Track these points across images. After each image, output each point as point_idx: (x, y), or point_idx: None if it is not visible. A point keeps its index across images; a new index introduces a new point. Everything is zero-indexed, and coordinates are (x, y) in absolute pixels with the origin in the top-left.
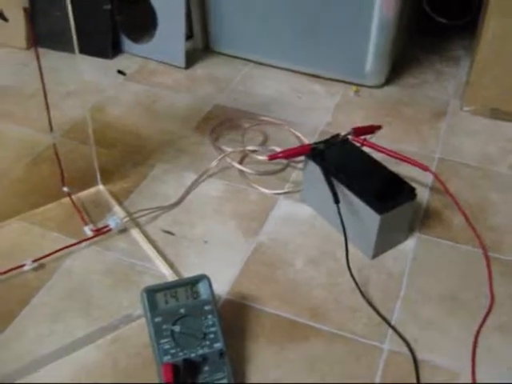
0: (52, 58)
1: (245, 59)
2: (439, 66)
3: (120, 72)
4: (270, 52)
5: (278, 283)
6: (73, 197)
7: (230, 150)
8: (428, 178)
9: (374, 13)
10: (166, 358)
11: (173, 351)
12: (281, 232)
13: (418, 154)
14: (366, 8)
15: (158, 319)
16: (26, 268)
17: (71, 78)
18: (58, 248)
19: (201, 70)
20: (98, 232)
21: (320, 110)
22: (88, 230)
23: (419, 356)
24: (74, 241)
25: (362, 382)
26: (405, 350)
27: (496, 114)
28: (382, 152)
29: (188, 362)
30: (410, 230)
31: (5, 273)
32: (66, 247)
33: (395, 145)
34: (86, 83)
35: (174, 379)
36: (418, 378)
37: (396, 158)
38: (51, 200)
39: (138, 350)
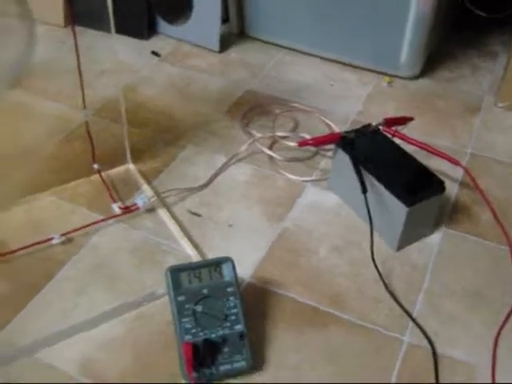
0: (88, 37)
1: (279, 45)
2: (476, 61)
3: (154, 53)
4: (304, 39)
5: (300, 270)
6: (103, 174)
7: (259, 135)
8: (458, 173)
9: (410, 5)
10: (187, 337)
11: (194, 331)
12: (306, 219)
13: (449, 148)
14: (403, 0)
15: (181, 298)
16: (53, 241)
17: (106, 56)
18: (86, 224)
19: (234, 54)
20: (126, 210)
21: (352, 98)
22: (116, 208)
23: (439, 350)
24: (101, 217)
25: (377, 383)
26: (425, 343)
27: None
28: (413, 144)
29: (208, 342)
30: (437, 224)
31: (33, 245)
32: (94, 223)
33: (427, 138)
34: (120, 63)
35: (193, 358)
36: (436, 372)
37: (427, 150)
38: (82, 176)
39: (160, 327)
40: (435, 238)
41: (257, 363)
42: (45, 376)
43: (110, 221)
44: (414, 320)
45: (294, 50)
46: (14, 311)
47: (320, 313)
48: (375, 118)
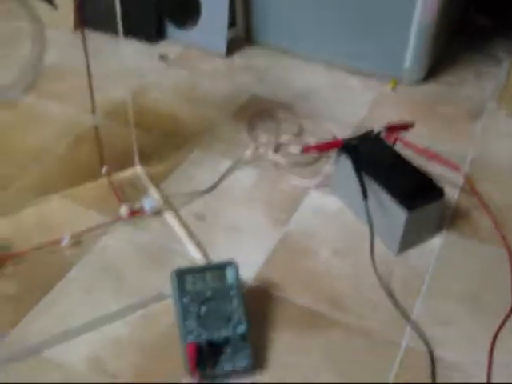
0: (98, 40)
1: (284, 50)
2: (479, 67)
3: (162, 57)
4: (310, 44)
5: (302, 273)
6: (111, 177)
7: (264, 139)
8: (459, 178)
9: (414, 12)
10: (191, 338)
11: (197, 331)
12: (309, 223)
13: (451, 154)
14: (407, 8)
15: (185, 300)
16: (63, 243)
17: (115, 60)
18: (94, 226)
19: (241, 59)
20: (134, 213)
21: (356, 104)
22: (124, 210)
23: (436, 353)
24: (109, 219)
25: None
26: (422, 346)
27: None
28: (414, 149)
29: (211, 342)
30: (437, 229)
31: (42, 247)
32: (102, 225)
33: (429, 143)
34: (128, 66)
35: (197, 358)
36: (433, 374)
37: (428, 156)
38: (91, 179)
39: (164, 328)
40: (435, 242)
41: (258, 363)
42: (53, 373)
43: (118, 223)
44: (412, 323)
45: (299, 55)
46: (24, 311)
47: (319, 315)
48: (379, 123)
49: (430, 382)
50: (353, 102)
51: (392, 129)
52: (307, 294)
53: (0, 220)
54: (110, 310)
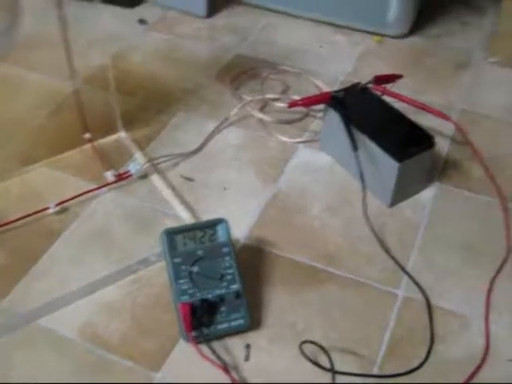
0: (75, 7)
1: (267, 8)
2: (464, 17)
3: (141, 21)
4: (292, 1)
5: (295, 229)
6: (94, 143)
7: (249, 98)
8: (449, 129)
9: None
10: (184, 298)
11: (191, 291)
12: (299, 180)
13: (439, 105)
14: None
15: (176, 260)
16: (49, 211)
17: (93, 26)
18: (80, 192)
19: (222, 19)
20: (119, 177)
21: (341, 59)
22: (109, 176)
23: (433, 302)
24: (95, 186)
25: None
26: (419, 296)
27: None
28: (403, 101)
29: (205, 301)
30: (429, 180)
31: (29, 216)
32: (88, 191)
33: (417, 95)
34: (107, 31)
35: (191, 318)
36: (431, 321)
37: (417, 107)
38: (73, 147)
39: (157, 290)
40: (427, 193)
41: (254, 321)
42: (45, 342)
43: (104, 189)
44: (407, 273)
45: (282, 12)
46: (14, 280)
47: (315, 271)
48: (365, 78)
49: (427, 331)
50: (338, 58)
51: (379, 80)
52: (301, 250)
53: None
54: (100, 275)
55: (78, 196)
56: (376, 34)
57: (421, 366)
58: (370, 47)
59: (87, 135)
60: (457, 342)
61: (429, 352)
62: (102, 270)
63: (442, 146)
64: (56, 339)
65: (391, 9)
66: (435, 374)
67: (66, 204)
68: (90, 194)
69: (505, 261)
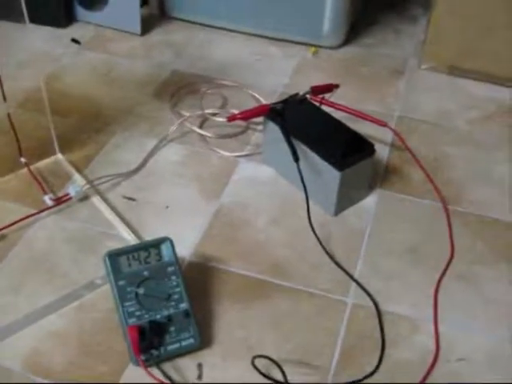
0: (3, 28)
1: (201, 24)
2: (397, 25)
3: (74, 41)
4: (227, 16)
5: (240, 244)
6: (31, 167)
7: (188, 114)
8: (387, 136)
9: None
10: (132, 321)
11: (138, 313)
12: (242, 194)
13: (377, 113)
14: None
15: (121, 282)
16: None
17: (24, 48)
18: (18, 218)
19: (157, 36)
20: (59, 201)
21: (278, 72)
22: (48, 200)
23: (382, 307)
24: (34, 211)
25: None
26: (368, 302)
27: (453, 71)
28: (341, 110)
29: (153, 323)
30: (372, 187)
31: None
32: (27, 217)
33: (354, 104)
34: (39, 53)
35: (140, 340)
36: (381, 326)
37: (354, 115)
38: (9, 172)
39: (103, 314)
40: (371, 200)
41: (205, 340)
42: None
43: (44, 213)
44: (355, 280)
45: (217, 27)
46: None
47: (263, 284)
48: (303, 89)
49: (378, 336)
50: (275, 70)
51: (317, 91)
52: (248, 263)
53: None
54: (44, 303)
55: (17, 222)
56: (311, 45)
57: (374, 371)
58: (306, 58)
59: (23, 159)
60: (408, 345)
61: (381, 357)
62: (45, 298)
63: (382, 152)
64: None
65: (325, 20)
66: (389, 379)
67: (4, 231)
68: (29, 219)
69: (450, 261)
